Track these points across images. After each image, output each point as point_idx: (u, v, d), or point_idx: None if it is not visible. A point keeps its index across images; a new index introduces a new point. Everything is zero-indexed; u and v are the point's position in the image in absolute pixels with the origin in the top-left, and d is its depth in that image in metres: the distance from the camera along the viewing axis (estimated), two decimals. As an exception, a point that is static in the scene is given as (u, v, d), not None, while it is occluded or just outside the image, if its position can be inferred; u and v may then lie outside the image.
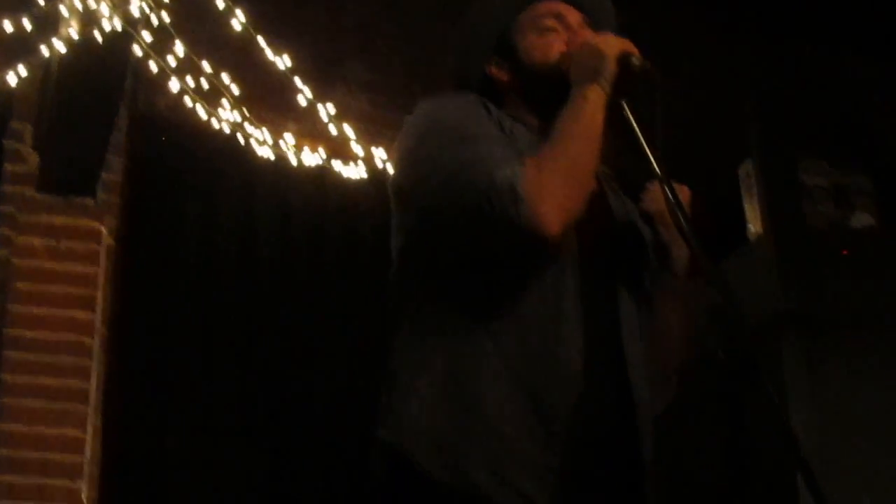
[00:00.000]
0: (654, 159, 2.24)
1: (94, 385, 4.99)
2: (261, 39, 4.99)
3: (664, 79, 2.29)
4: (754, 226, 4.94)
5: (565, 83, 2.34)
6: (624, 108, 2.32)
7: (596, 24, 2.55)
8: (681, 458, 4.64)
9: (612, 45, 2.33)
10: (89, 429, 4.94)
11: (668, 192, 2.19)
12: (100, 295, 5.11)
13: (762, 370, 1.80)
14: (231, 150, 5.49)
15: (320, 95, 5.41)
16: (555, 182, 2.13)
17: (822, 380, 4.45)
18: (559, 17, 2.53)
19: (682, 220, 2.16)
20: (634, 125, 2.29)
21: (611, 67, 2.29)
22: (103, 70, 4.61)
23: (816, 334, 4.51)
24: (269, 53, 5.03)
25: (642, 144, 2.26)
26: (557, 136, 2.23)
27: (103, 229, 5.19)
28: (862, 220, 4.94)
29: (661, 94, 2.28)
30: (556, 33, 2.51)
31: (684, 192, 2.32)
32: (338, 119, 5.53)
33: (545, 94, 2.40)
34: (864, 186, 5.01)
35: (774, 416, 1.87)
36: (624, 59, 2.31)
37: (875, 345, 4.51)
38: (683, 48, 5.06)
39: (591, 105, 2.26)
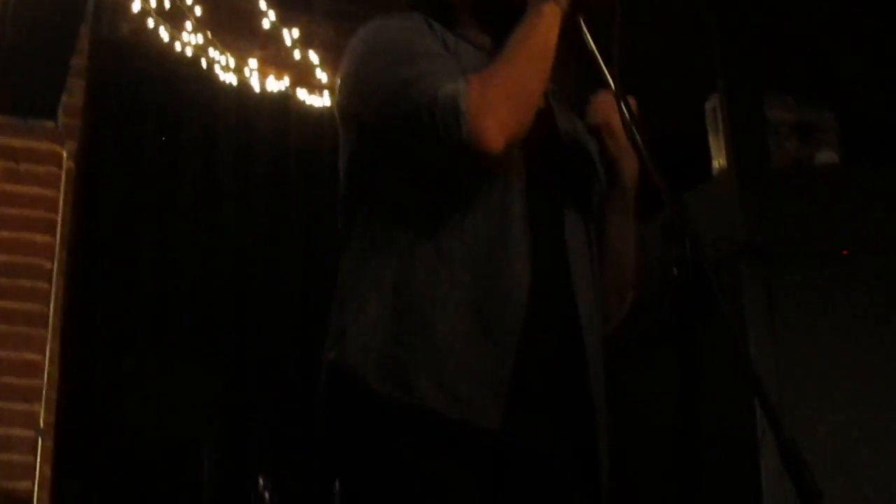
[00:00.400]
0: (610, 76, 2.21)
1: (52, 309, 4.96)
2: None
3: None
4: (718, 161, 4.93)
5: (519, 1, 2.29)
6: (581, 25, 2.28)
7: None
8: (633, 387, 4.69)
9: None
10: (48, 352, 4.92)
11: (626, 109, 2.16)
12: (60, 218, 5.07)
13: (717, 289, 1.79)
14: (193, 75, 5.45)
15: (285, 22, 5.35)
16: (499, 99, 2.10)
17: (781, 314, 4.45)
18: None
19: (636, 135, 2.13)
20: (590, 42, 2.26)
21: None
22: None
23: (777, 269, 4.51)
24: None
25: (598, 61, 2.23)
26: (507, 53, 2.21)
27: (64, 152, 5.15)
28: (826, 156, 4.93)
29: (620, 13, 2.25)
30: None
31: (632, 103, 2.29)
32: (302, 46, 5.47)
33: (498, 12, 2.34)
34: (830, 123, 5.00)
35: (730, 336, 1.85)
36: None
37: (835, 280, 4.51)
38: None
39: (545, 21, 2.23)
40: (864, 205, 4.64)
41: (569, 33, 2.28)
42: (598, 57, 2.24)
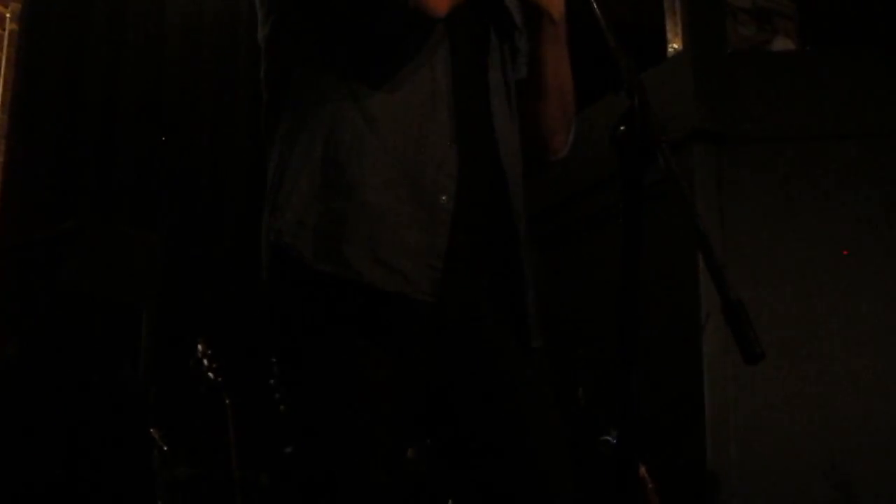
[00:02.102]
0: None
1: (-7, 173, 4.90)
2: None
3: None
4: (674, 44, 4.90)
5: None
6: None
7: None
8: (583, 261, 4.71)
9: None
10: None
11: None
12: (2, 80, 4.98)
13: (661, 145, 1.75)
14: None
15: None
16: None
17: (730, 195, 4.48)
18: None
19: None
20: None
21: None
22: None
23: (728, 151, 4.53)
24: None
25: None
26: None
27: (7, 13, 5.03)
28: (782, 43, 4.92)
29: None
30: None
31: None
32: None
33: None
34: (787, 10, 4.99)
35: (675, 193, 1.82)
36: None
37: (785, 164, 4.54)
38: None
39: None
40: (818, 91, 4.64)
41: None
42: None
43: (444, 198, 2.12)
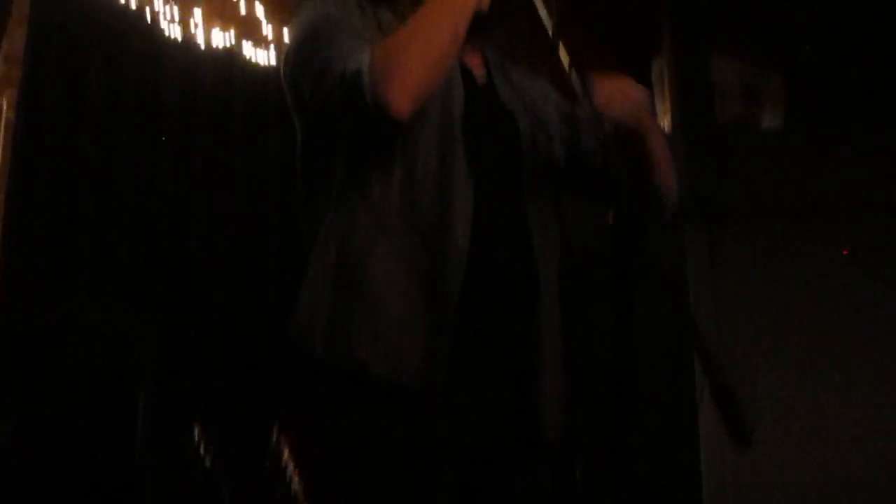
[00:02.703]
0: (551, 32, 2.20)
1: (-11, 258, 4.91)
2: None
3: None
4: (664, 121, 4.97)
5: None
6: None
7: None
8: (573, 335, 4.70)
9: None
10: (-17, 305, 4.86)
11: (562, 60, 2.15)
12: (-1, 165, 5.01)
13: (658, 233, 1.79)
14: (138, 27, 5.38)
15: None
16: (399, 61, 2.11)
17: (723, 270, 4.52)
18: None
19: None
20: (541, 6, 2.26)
21: None
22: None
23: (719, 226, 4.58)
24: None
25: (539, 14, 2.22)
26: (413, 17, 2.22)
27: (4, 102, 5.07)
28: (770, 118, 4.99)
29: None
30: None
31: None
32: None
33: None
34: (774, 87, 5.07)
35: (666, 282, 1.86)
36: None
37: (775, 239, 4.59)
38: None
39: None
40: (807, 166, 4.70)
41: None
42: (546, 20, 2.23)
43: (451, 296, 2.17)
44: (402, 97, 2.09)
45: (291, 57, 2.33)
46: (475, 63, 2.45)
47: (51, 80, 5.40)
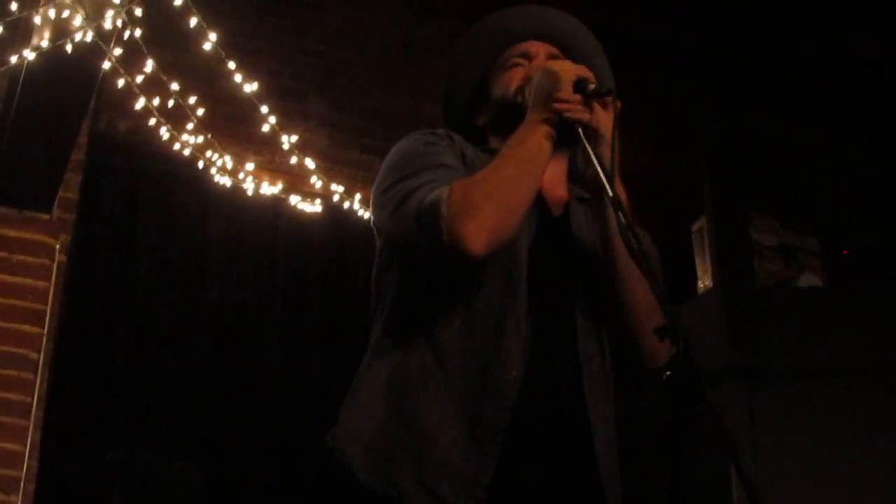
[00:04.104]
0: (607, 180, 2.24)
1: (35, 399, 4.95)
2: (231, 64, 4.97)
3: (621, 107, 2.34)
4: (704, 281, 5.02)
5: (524, 113, 2.40)
6: (577, 130, 2.35)
7: (573, 56, 2.60)
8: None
9: (568, 69, 2.39)
10: (28, 443, 4.89)
11: (621, 215, 2.18)
12: (49, 310, 5.08)
13: (705, 391, 1.84)
14: (189, 175, 5.51)
15: (283, 128, 5.43)
16: (478, 202, 2.17)
17: (763, 430, 4.52)
18: (524, 54, 2.61)
19: (632, 241, 2.12)
20: (587, 145, 2.32)
21: (566, 87, 2.34)
22: (70, 83, 4.56)
23: (759, 387, 4.60)
24: (238, 78, 5.01)
25: (595, 165, 2.28)
26: (495, 159, 2.30)
27: (57, 245, 5.17)
28: (809, 279, 5.04)
29: (618, 122, 2.33)
30: (518, 69, 2.59)
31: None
32: (299, 152, 5.55)
33: (511, 126, 2.41)
34: (812, 247, 5.13)
35: (719, 438, 1.90)
36: (579, 83, 2.35)
37: (816, 398, 4.60)
38: (639, 106, 5.16)
39: (540, 127, 2.32)
40: (845, 326, 4.73)
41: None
42: (595, 161, 2.28)
43: (497, 433, 2.19)
44: (477, 238, 2.15)
45: (380, 181, 2.41)
46: (555, 193, 2.51)
47: (102, 225, 5.51)
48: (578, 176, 2.54)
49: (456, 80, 2.71)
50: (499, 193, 2.21)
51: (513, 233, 2.25)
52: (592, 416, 2.31)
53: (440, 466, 2.16)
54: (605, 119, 2.35)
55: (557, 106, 2.32)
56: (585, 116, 2.34)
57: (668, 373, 1.87)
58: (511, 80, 2.57)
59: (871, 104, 5.66)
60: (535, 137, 2.31)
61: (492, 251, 2.20)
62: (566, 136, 2.35)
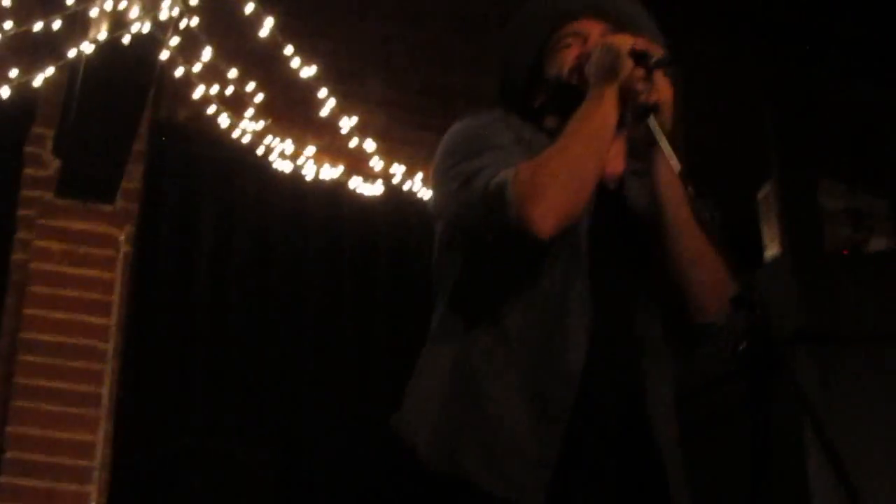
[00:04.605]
0: (676, 155, 2.23)
1: (106, 390, 5.00)
2: (289, 48, 4.96)
3: (684, 76, 2.32)
4: (772, 248, 4.98)
5: (580, 93, 2.38)
6: (641, 104, 2.32)
7: (626, 30, 2.57)
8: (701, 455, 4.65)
9: (626, 41, 2.35)
10: (101, 433, 4.95)
11: (688, 188, 2.18)
12: (115, 300, 5.13)
13: (784, 360, 1.82)
14: (249, 161, 5.50)
15: (342, 110, 5.42)
16: (547, 183, 2.17)
17: (835, 396, 4.49)
18: (576, 34, 2.57)
19: (703, 211, 2.10)
20: (652, 119, 2.30)
21: (626, 62, 2.31)
22: (130, 74, 4.59)
23: (831, 353, 4.55)
24: (295, 62, 5.00)
25: (662, 140, 2.26)
26: (560, 138, 2.29)
27: (121, 236, 5.21)
28: (878, 243, 4.99)
29: (681, 92, 2.31)
30: (571, 48, 2.56)
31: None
32: (359, 134, 5.53)
33: (568, 106, 2.40)
34: (882, 210, 5.07)
35: (801, 404, 1.88)
36: (640, 56, 2.33)
37: (889, 362, 4.56)
38: (700, 73, 5.10)
39: (604, 104, 2.30)
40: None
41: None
42: (662, 137, 2.27)
43: (562, 411, 2.18)
44: (546, 218, 2.15)
45: (440, 163, 2.42)
46: (612, 167, 2.48)
47: (165, 214, 5.53)
48: (634, 148, 2.51)
49: (509, 63, 2.68)
50: (565, 173, 2.20)
51: (580, 210, 2.25)
52: (651, 395, 2.31)
53: (506, 447, 2.17)
54: (666, 90, 2.33)
55: (620, 81, 2.30)
56: (648, 92, 2.31)
57: (745, 344, 1.86)
58: (565, 61, 2.54)
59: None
60: (599, 114, 2.29)
61: (560, 230, 2.19)
62: (630, 111, 2.33)
